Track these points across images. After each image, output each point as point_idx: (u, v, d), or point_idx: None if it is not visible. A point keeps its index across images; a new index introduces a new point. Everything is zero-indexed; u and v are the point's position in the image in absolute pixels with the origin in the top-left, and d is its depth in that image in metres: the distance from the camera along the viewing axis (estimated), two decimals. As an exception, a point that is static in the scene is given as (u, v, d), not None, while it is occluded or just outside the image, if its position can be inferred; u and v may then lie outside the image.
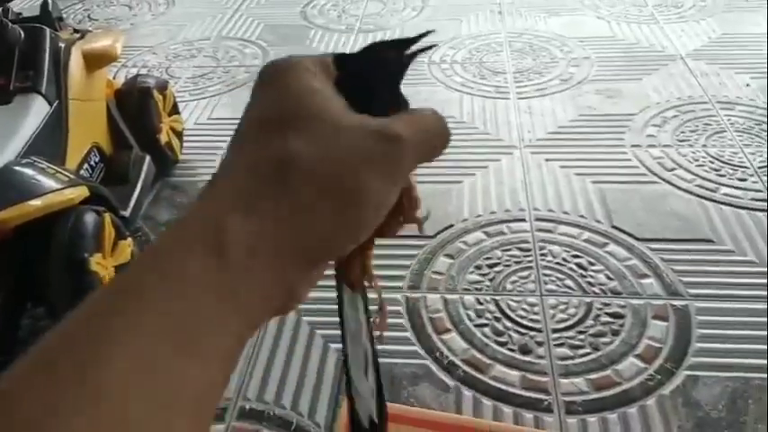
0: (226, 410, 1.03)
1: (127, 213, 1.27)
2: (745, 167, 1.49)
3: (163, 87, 1.55)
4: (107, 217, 1.14)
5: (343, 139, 0.25)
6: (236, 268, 0.23)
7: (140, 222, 1.43)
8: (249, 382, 1.07)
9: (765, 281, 1.20)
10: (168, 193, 1.53)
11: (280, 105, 0.26)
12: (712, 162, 1.52)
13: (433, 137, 0.28)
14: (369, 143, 0.25)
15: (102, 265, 1.10)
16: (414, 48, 0.29)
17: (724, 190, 1.43)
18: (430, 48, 0.30)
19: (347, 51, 0.28)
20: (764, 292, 1.18)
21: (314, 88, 0.26)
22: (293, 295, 0.26)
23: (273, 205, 0.24)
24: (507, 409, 1.01)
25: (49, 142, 1.22)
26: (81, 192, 1.11)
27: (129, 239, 1.22)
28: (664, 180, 1.47)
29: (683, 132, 1.63)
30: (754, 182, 1.45)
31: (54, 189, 1.08)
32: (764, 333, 1.10)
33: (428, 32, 0.31)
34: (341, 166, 0.24)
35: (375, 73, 0.28)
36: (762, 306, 1.15)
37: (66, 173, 1.15)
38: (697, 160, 1.53)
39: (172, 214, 1.47)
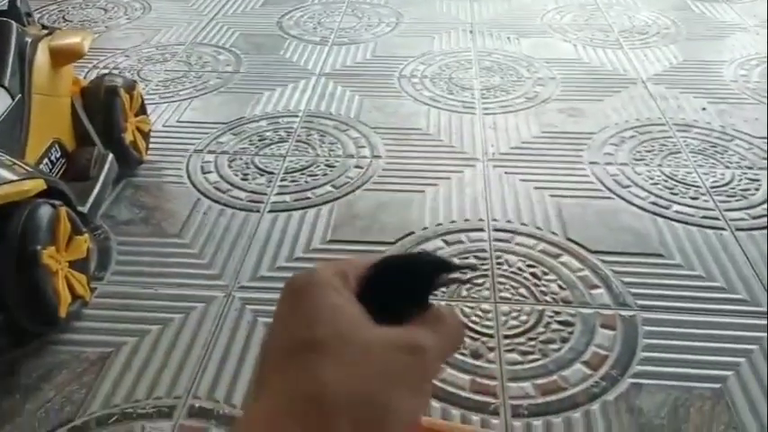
0: (174, 408, 1.02)
1: (85, 209, 1.27)
2: (698, 187, 1.55)
3: (130, 87, 1.56)
4: (62, 211, 1.14)
5: (371, 357, 0.25)
6: None
7: (100, 221, 1.42)
8: (200, 381, 1.07)
9: (712, 295, 1.24)
10: (130, 193, 1.53)
11: (305, 329, 0.26)
12: (666, 181, 1.57)
13: (454, 339, 0.30)
14: (395, 357, 0.26)
15: (54, 259, 1.09)
16: (453, 275, 0.31)
17: (676, 207, 1.48)
18: (467, 281, 0.33)
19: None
20: (710, 306, 1.22)
21: (337, 306, 0.27)
22: None
23: None
24: (455, 411, 1.03)
25: (9, 135, 1.22)
26: (38, 184, 1.11)
27: (86, 236, 1.22)
28: (618, 196, 1.52)
29: (639, 152, 1.68)
30: (705, 200, 1.50)
31: (10, 180, 1.07)
32: (709, 345, 1.14)
33: (474, 268, 0.34)
34: (372, 388, 0.25)
35: (407, 284, 0.30)
36: (707, 319, 1.19)
37: (24, 165, 1.14)
38: (652, 178, 1.58)
39: (133, 214, 1.46)
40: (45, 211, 1.10)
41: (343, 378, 0.24)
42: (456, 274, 0.31)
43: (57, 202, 1.13)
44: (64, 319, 1.11)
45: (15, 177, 1.08)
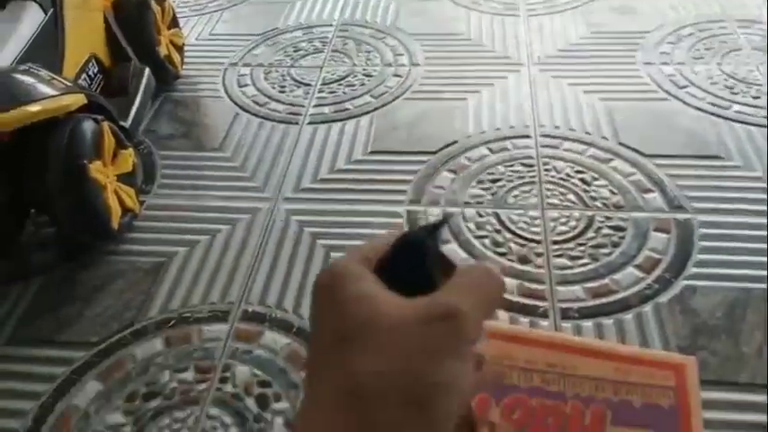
0: (228, 313, 1.05)
1: (127, 124, 1.26)
2: (760, 85, 1.45)
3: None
4: (105, 125, 1.13)
5: (404, 336, 0.25)
6: None
7: (143, 136, 1.42)
8: (251, 288, 1.09)
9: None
10: (170, 108, 1.51)
11: (335, 324, 0.26)
12: (726, 80, 1.47)
13: (491, 294, 0.27)
14: (430, 330, 0.25)
15: (102, 173, 1.10)
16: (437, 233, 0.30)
17: (736, 107, 1.40)
18: (445, 223, 0.32)
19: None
20: (770, 207, 1.16)
21: (364, 294, 0.26)
22: None
23: None
24: (503, 315, 1.02)
25: (45, 50, 1.20)
26: (78, 99, 1.10)
27: (131, 150, 1.22)
28: (675, 97, 1.44)
29: (698, 50, 1.57)
30: None
31: (51, 95, 1.06)
32: (765, 246, 1.09)
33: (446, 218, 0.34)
34: (411, 366, 0.24)
35: (413, 260, 0.28)
36: (765, 220, 1.14)
37: (64, 81, 1.13)
38: (711, 78, 1.48)
39: (174, 129, 1.46)
40: (88, 126, 1.09)
41: (379, 364, 0.24)
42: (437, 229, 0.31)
43: (99, 117, 1.13)
44: (116, 232, 1.13)
45: (55, 92, 1.07)
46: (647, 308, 1.01)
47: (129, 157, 1.20)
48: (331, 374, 0.25)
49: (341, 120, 1.46)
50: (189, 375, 0.95)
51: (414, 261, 0.28)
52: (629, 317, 1.00)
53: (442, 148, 1.36)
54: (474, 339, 0.26)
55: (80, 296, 1.10)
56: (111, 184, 1.13)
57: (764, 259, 1.07)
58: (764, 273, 1.05)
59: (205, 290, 1.09)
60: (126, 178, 1.19)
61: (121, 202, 1.15)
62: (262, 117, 1.48)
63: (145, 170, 1.33)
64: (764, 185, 1.21)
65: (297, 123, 1.46)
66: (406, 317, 0.25)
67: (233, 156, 1.37)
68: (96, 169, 1.08)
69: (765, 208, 1.16)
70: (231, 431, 0.88)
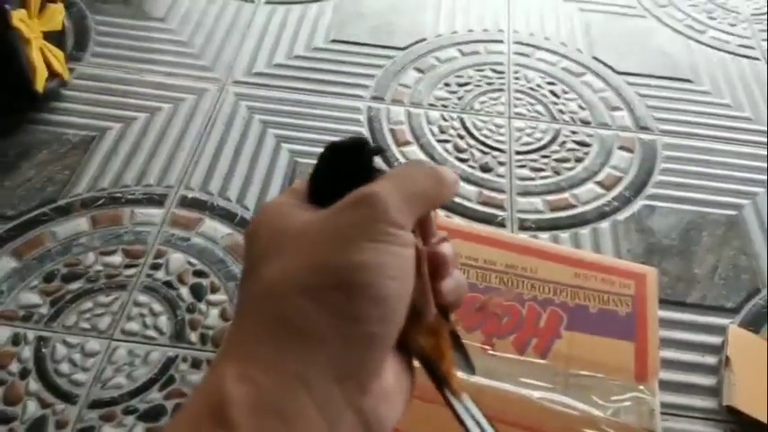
0: (166, 197, 0.96)
1: (56, -24, 1.10)
2: (738, 13, 1.41)
3: None
4: (30, -29, 0.98)
5: (313, 233, 0.23)
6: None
7: (75, -2, 1.26)
8: (193, 174, 1.00)
9: (738, 125, 1.17)
10: (108, -31, 1.34)
11: (254, 249, 0.25)
12: (706, 3, 1.42)
13: (417, 181, 0.25)
14: (339, 218, 0.23)
15: (27, 25, 0.96)
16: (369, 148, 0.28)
17: (712, 33, 1.36)
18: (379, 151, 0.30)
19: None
20: (734, 135, 1.15)
21: (282, 213, 0.25)
22: (367, 426, 0.23)
23: (271, 346, 0.22)
24: (460, 221, 0.98)
25: None
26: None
27: (61, 6, 1.07)
28: (653, 15, 1.38)
29: (681, -31, 1.51)
30: (744, 28, 1.37)
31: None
32: (729, 173, 1.08)
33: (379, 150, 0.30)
34: (319, 257, 0.23)
35: (343, 178, 0.27)
36: (729, 148, 1.12)
37: None
38: (691, 0, 1.43)
39: (112, -6, 1.29)
40: (9, -31, 0.94)
41: (285, 263, 0.23)
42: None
43: (22, -40, 0.97)
44: (41, 95, 1.00)
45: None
46: (605, 224, 0.99)
47: (58, 14, 1.05)
48: (246, 290, 0.24)
49: (303, 2, 1.33)
50: (116, 259, 0.88)
51: (340, 167, 0.27)
52: (585, 231, 0.98)
53: (410, 45, 1.27)
54: (397, 222, 0.23)
55: (-3, 166, 0.98)
56: (37, 40, 0.99)
57: (724, 185, 1.06)
58: (722, 199, 1.04)
59: (140, 170, 0.99)
60: (54, 37, 1.04)
61: (48, 64, 1.02)
62: (214, -9, 1.33)
63: (77, 35, 1.18)
64: (734, 114, 1.19)
65: (252, 1, 1.32)
66: (318, 216, 0.24)
67: (179, 29, 1.24)
68: (20, 18, 0.94)
69: (729, 135, 1.15)
70: (161, 319, 0.82)
